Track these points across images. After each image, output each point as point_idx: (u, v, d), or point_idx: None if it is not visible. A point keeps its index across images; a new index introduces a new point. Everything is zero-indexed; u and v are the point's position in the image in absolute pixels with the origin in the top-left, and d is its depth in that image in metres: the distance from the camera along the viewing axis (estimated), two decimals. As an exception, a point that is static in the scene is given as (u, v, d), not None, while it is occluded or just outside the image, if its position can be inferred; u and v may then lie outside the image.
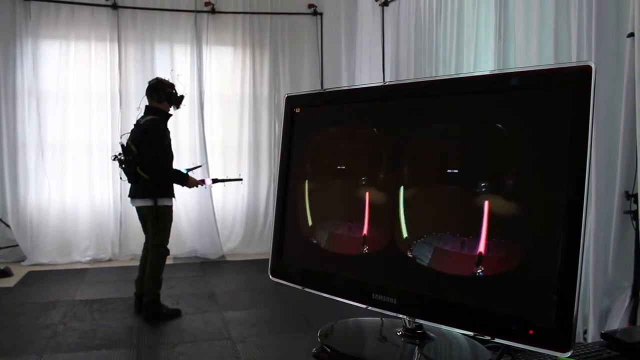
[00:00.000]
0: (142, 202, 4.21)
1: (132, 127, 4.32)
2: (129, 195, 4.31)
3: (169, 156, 4.26)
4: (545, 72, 0.87)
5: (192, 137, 6.66)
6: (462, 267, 0.92)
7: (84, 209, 6.39)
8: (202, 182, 4.51)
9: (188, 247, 6.63)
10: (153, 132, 4.13)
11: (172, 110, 4.38)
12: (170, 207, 4.28)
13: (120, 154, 4.18)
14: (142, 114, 4.32)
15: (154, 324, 4.17)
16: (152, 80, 4.38)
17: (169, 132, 4.29)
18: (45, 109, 6.29)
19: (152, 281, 4.24)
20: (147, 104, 4.31)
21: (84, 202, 6.40)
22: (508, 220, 0.88)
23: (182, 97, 4.38)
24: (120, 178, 4.40)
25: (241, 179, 5.00)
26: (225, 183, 4.79)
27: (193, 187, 4.48)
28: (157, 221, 4.24)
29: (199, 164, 5.04)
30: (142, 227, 4.43)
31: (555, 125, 0.83)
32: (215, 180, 4.69)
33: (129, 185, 4.31)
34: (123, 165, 4.18)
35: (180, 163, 6.45)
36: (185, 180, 4.34)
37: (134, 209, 4.39)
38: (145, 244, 4.42)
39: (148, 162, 4.09)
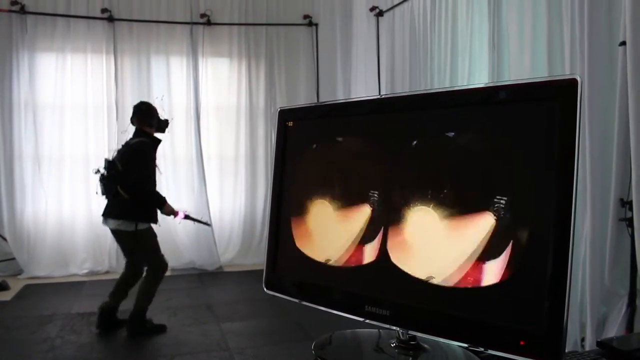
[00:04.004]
0: (116, 225, 4.08)
1: (120, 147, 4.29)
2: (103, 214, 4.16)
3: (153, 180, 4.20)
4: (532, 85, 0.87)
5: (188, 148, 6.67)
6: (454, 278, 0.93)
7: (80, 221, 6.39)
8: (176, 213, 4.37)
9: (185, 259, 6.61)
10: (143, 153, 4.11)
11: (159, 135, 4.37)
12: (149, 229, 4.17)
13: (104, 167, 4.13)
14: (130, 136, 4.27)
15: (140, 338, 4.11)
16: (142, 104, 4.34)
17: (155, 157, 4.25)
18: (41, 121, 6.30)
19: (144, 295, 4.17)
20: (135, 126, 4.27)
21: (81, 215, 6.39)
22: (500, 231, 0.89)
23: (167, 122, 4.40)
24: (97, 192, 4.23)
25: (210, 225, 5.15)
26: (195, 222, 4.72)
27: (166, 214, 4.31)
28: (137, 246, 4.15)
29: (208, 223, 5.16)
30: (122, 250, 4.37)
31: (544, 137, 0.84)
32: (187, 217, 4.52)
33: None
34: (104, 181, 4.11)
35: (177, 174, 6.50)
36: (163, 204, 4.23)
37: None
38: (127, 262, 4.31)
39: (131, 181, 4.03)
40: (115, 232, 4.16)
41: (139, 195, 4.07)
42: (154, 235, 4.22)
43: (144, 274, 4.24)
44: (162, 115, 4.43)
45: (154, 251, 4.20)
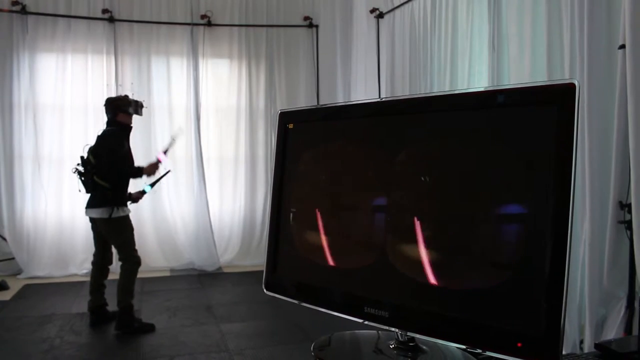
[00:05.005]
0: (96, 213, 4.22)
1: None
2: (85, 207, 4.33)
3: (126, 163, 4.32)
4: (531, 89, 0.88)
5: (188, 149, 6.68)
6: (452, 280, 0.94)
7: (80, 221, 6.35)
8: (141, 193, 4.52)
9: (185, 259, 6.62)
10: (109, 139, 4.24)
11: (134, 120, 4.46)
12: (126, 217, 4.28)
13: (78, 164, 4.24)
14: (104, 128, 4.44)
15: (128, 335, 4.18)
16: (106, 99, 4.49)
17: (127, 143, 4.35)
18: (42, 121, 6.31)
19: (124, 291, 4.24)
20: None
21: (81, 215, 6.32)
22: (498, 233, 0.89)
23: (135, 102, 4.44)
24: (79, 190, 4.36)
25: (169, 170, 4.88)
26: (160, 181, 4.73)
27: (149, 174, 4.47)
28: (115, 235, 4.27)
29: (168, 170, 4.88)
30: (94, 240, 4.45)
31: (542, 141, 0.85)
32: (152, 185, 4.59)
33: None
34: (82, 177, 4.23)
35: (177, 175, 6.50)
36: (141, 171, 4.39)
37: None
38: (95, 256, 4.46)
39: (106, 168, 4.16)
40: (95, 222, 4.31)
41: (116, 179, 4.20)
42: (131, 228, 4.32)
43: (119, 270, 4.30)
44: (135, 97, 4.51)
45: (129, 243, 4.29)
